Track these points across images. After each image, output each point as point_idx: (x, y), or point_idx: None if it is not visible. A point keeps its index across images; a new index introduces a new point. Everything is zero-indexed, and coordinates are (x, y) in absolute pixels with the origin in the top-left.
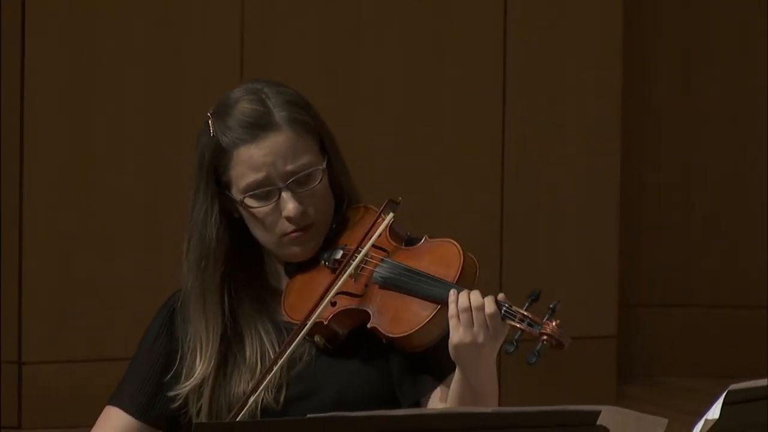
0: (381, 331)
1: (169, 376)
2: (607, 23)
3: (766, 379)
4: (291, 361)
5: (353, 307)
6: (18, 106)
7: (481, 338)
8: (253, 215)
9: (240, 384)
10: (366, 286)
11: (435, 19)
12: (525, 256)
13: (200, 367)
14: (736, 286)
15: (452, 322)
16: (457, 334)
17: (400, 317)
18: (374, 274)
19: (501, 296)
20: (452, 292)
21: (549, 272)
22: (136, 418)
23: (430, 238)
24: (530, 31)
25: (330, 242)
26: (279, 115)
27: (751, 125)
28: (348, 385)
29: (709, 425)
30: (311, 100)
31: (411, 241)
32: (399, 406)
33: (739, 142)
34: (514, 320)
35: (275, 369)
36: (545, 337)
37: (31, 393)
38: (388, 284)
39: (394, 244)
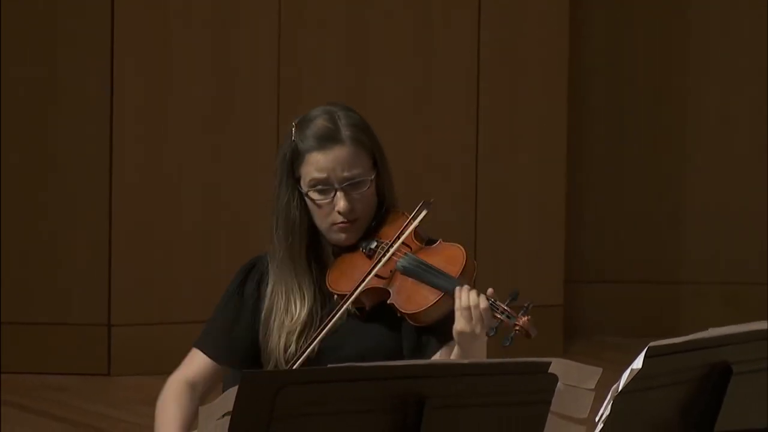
0: (397, 306)
1: (240, 327)
2: (554, 64)
3: (677, 338)
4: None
5: (380, 286)
6: (108, 100)
7: (478, 329)
8: (314, 204)
9: (284, 334)
10: (391, 271)
11: (420, 58)
12: (492, 244)
13: (296, 318)
14: (656, 266)
15: (457, 314)
16: (460, 324)
17: (412, 298)
18: (398, 263)
19: (490, 291)
20: (458, 290)
21: (511, 254)
22: (213, 359)
23: (444, 241)
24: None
25: (369, 234)
26: (344, 133)
27: (673, 130)
28: (368, 344)
29: (634, 373)
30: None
31: (430, 242)
32: None
33: (662, 146)
34: (497, 312)
35: (328, 327)
36: (518, 328)
37: (118, 348)
38: (406, 272)
39: (417, 243)
